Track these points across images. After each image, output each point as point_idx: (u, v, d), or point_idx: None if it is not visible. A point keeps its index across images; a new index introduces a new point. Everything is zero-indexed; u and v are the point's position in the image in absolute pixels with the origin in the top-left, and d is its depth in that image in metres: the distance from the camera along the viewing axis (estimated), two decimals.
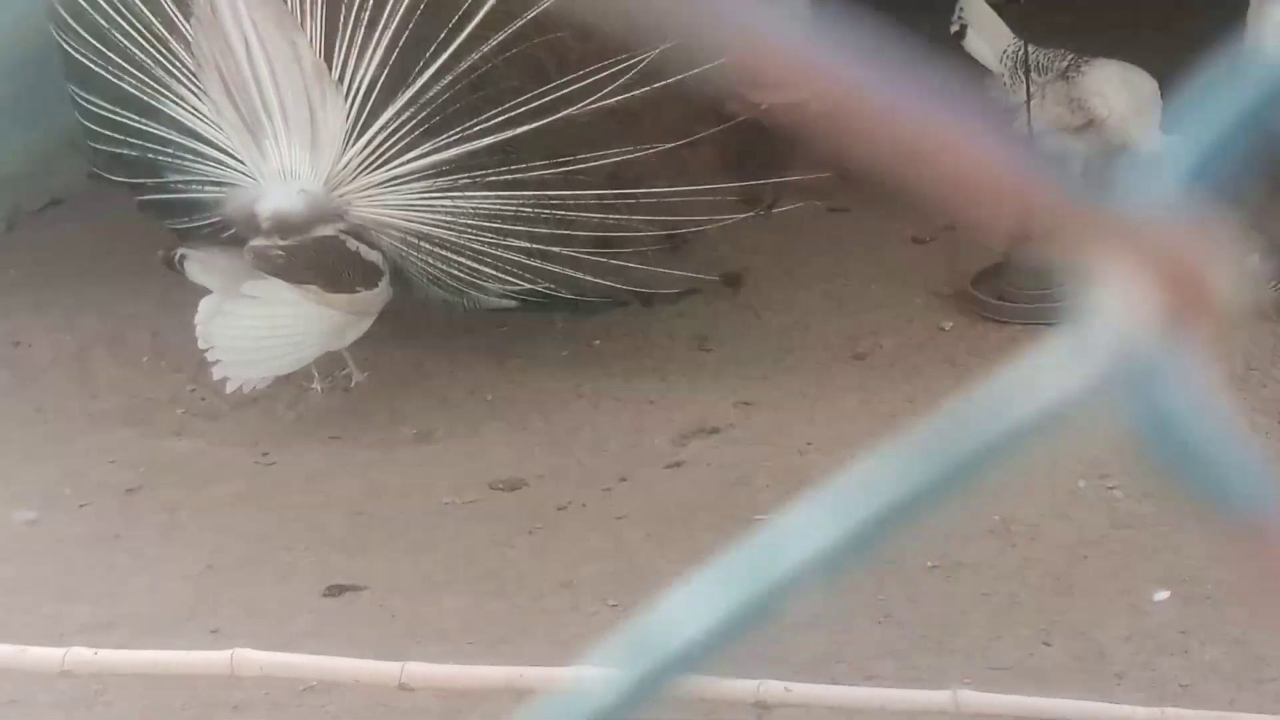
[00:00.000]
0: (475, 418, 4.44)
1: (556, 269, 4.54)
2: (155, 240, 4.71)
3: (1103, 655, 3.27)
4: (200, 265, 4.33)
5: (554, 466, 4.18)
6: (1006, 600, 3.47)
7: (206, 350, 4.27)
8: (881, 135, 0.42)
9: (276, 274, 4.27)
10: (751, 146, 4.65)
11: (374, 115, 4.42)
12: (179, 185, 4.71)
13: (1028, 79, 4.95)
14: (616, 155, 4.46)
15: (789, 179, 4.63)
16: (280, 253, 4.28)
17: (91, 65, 4.71)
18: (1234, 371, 4.33)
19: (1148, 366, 0.42)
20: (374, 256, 4.42)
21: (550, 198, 4.49)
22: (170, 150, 4.65)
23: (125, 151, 4.78)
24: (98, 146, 4.89)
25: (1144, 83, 4.86)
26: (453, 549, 3.83)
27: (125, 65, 4.64)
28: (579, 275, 4.56)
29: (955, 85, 0.44)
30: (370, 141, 4.43)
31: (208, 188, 4.60)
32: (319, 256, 4.33)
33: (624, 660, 0.46)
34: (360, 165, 4.44)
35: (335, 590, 3.69)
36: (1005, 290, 4.66)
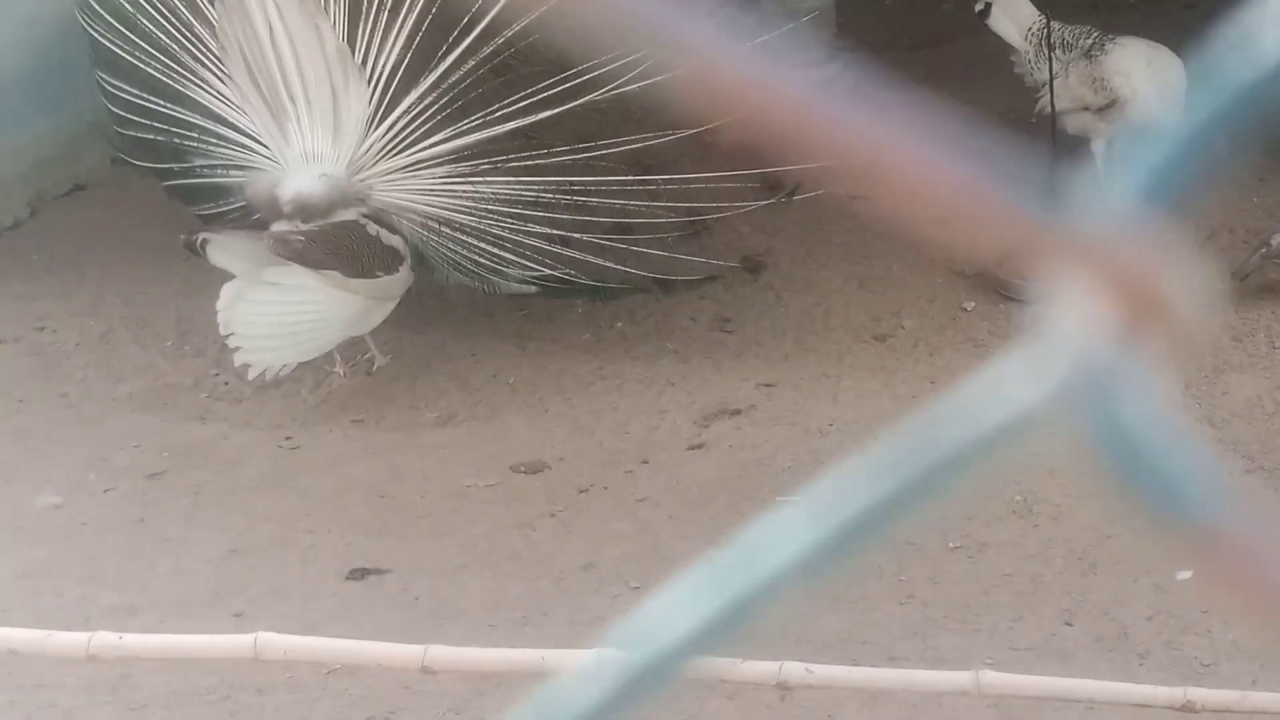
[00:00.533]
0: (497, 401, 4.44)
1: (577, 255, 4.54)
2: (179, 225, 4.72)
3: (1125, 635, 3.26)
4: (222, 249, 4.34)
5: (576, 449, 4.18)
6: (1029, 580, 3.47)
7: (228, 336, 4.28)
8: (834, 154, 0.43)
9: (296, 259, 4.27)
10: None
11: (396, 100, 4.42)
12: (204, 170, 4.72)
13: (1051, 57, 4.92)
14: (638, 141, 4.46)
15: (810, 165, 4.61)
16: (300, 238, 4.29)
17: (118, 50, 4.73)
18: (1258, 350, 4.31)
19: (1104, 378, 0.43)
20: (395, 241, 4.43)
21: (571, 183, 4.49)
22: (196, 135, 4.67)
23: (151, 137, 4.80)
24: (124, 132, 4.90)
25: (1169, 62, 4.83)
26: (475, 532, 3.84)
27: (151, 50, 4.65)
28: (599, 261, 4.55)
29: (910, 102, 0.44)
30: (392, 126, 4.43)
31: (233, 172, 4.61)
32: (339, 241, 4.33)
33: (606, 665, 0.46)
34: (382, 150, 4.45)
35: (358, 573, 3.70)
36: (1027, 270, 4.64)
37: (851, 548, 0.45)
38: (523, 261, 4.54)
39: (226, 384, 4.59)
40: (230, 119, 4.57)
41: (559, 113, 4.40)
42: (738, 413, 4.27)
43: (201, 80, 4.61)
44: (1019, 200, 0.42)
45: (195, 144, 4.68)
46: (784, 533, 0.45)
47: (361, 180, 4.45)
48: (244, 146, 4.56)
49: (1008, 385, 0.44)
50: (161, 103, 4.72)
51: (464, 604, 3.54)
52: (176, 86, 4.65)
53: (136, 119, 4.80)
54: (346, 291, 4.33)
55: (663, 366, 4.51)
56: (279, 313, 4.34)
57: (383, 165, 4.47)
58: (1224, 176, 0.42)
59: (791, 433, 4.15)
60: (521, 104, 4.40)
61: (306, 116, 4.40)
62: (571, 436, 4.24)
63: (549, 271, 4.56)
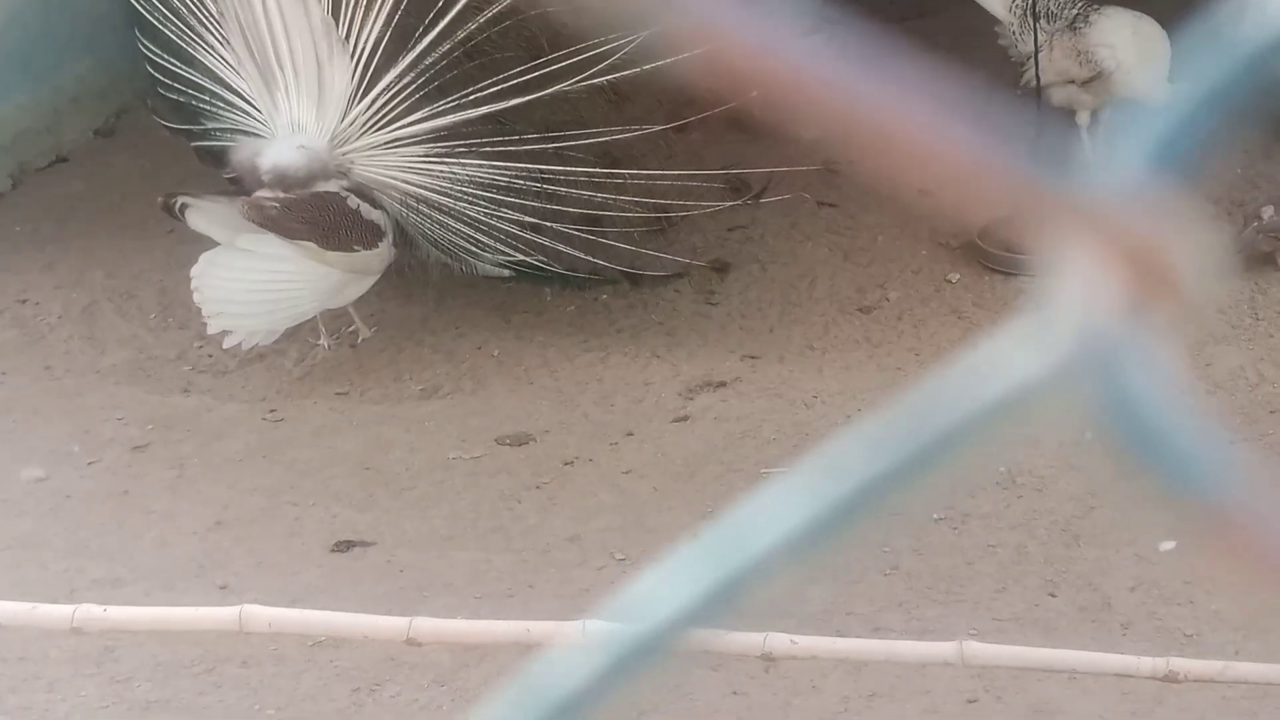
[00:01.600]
0: (482, 373, 4.44)
1: (548, 243, 4.54)
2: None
3: (1108, 605, 3.28)
4: (201, 214, 4.33)
5: (561, 421, 4.18)
6: (1013, 551, 3.48)
7: (199, 302, 4.27)
8: (843, 121, 0.42)
9: (270, 226, 4.25)
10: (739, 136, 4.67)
11: (377, 76, 4.42)
12: (218, 133, 4.73)
13: (1036, 28, 4.91)
14: (606, 134, 4.46)
15: (778, 169, 4.61)
16: (275, 205, 4.28)
17: (143, 10, 4.74)
18: (1242, 322, 4.32)
19: (1110, 350, 0.42)
20: (375, 216, 4.41)
21: (542, 172, 4.49)
22: (207, 98, 4.69)
23: (175, 98, 4.83)
24: (159, 91, 4.93)
25: (1154, 33, 4.82)
26: (460, 504, 3.84)
27: (165, 12, 4.67)
28: (570, 251, 4.56)
29: (916, 68, 0.43)
30: (374, 102, 4.43)
31: (238, 137, 4.63)
32: (316, 212, 4.32)
33: (596, 641, 0.46)
34: (364, 124, 4.45)
35: (343, 545, 3.70)
36: (1012, 242, 4.65)
37: (845, 524, 0.45)
38: (497, 246, 4.54)
39: (210, 356, 4.58)
40: (233, 83, 4.59)
41: (529, 100, 4.40)
42: (723, 385, 4.27)
43: (207, 44, 4.63)
44: (1023, 167, 0.42)
45: (209, 107, 4.70)
46: (776, 508, 0.45)
47: (344, 154, 4.44)
48: (245, 113, 4.58)
49: (1008, 356, 0.43)
50: (179, 64, 4.73)
51: (449, 576, 3.55)
52: (189, 48, 4.68)
53: (164, 79, 4.82)
54: (323, 263, 4.32)
55: (647, 339, 4.51)
56: (252, 280, 4.32)
57: (365, 140, 4.45)
58: (1227, 146, 0.42)
59: (776, 405, 4.15)
60: (494, 89, 4.40)
61: (294, 86, 4.40)
62: (556, 409, 4.24)
63: (522, 257, 4.56)
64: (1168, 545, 3.38)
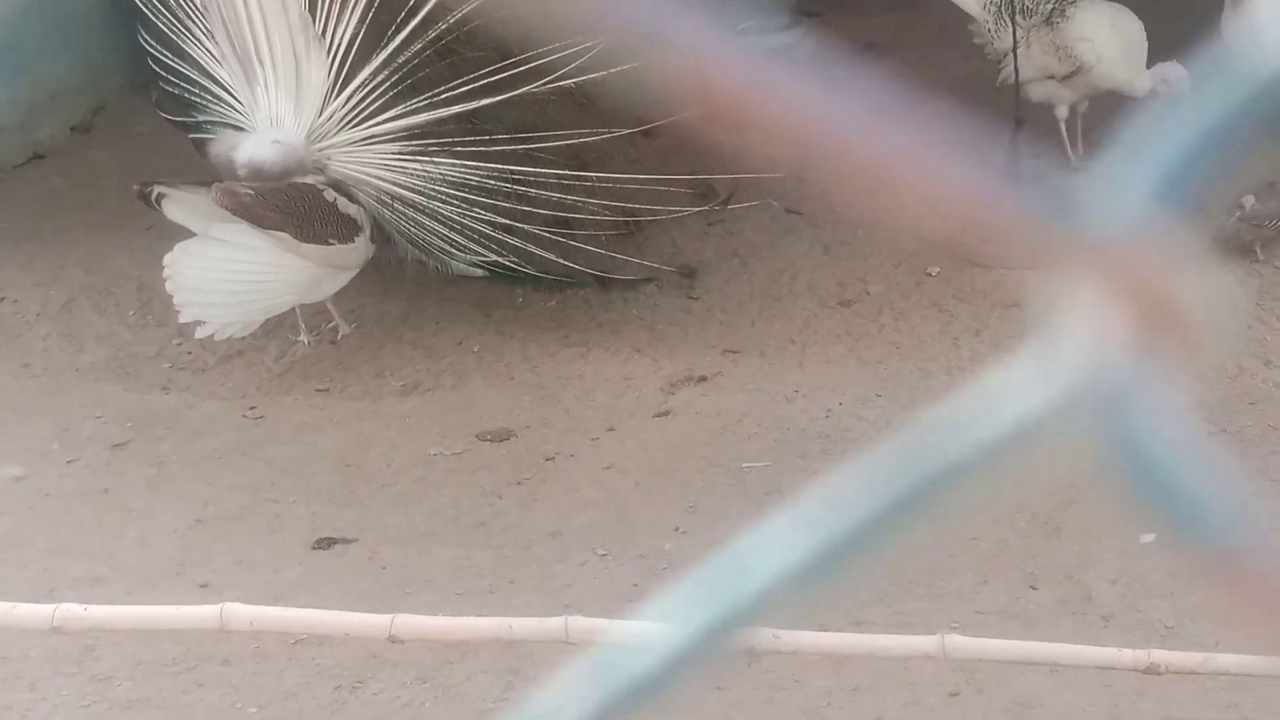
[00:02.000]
0: (462, 369, 4.43)
1: (519, 244, 4.55)
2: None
3: (1089, 598, 3.29)
4: (178, 204, 4.32)
5: (542, 417, 4.18)
6: (995, 545, 3.48)
7: (171, 291, 4.27)
8: (834, 155, 0.41)
9: (241, 214, 4.24)
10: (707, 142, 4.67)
11: (353, 73, 4.43)
12: (210, 126, 4.73)
13: (1014, 24, 4.89)
14: (573, 136, 4.47)
15: (745, 175, 4.61)
16: (248, 193, 4.27)
17: (141, 4, 4.73)
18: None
19: (1117, 390, 0.41)
20: (352, 210, 4.41)
21: (512, 172, 4.49)
22: (197, 91, 4.69)
23: (170, 90, 4.82)
24: (160, 85, 4.92)
25: (1131, 24, 4.82)
26: (441, 500, 3.84)
27: (160, 5, 4.67)
28: (540, 252, 4.55)
29: (909, 99, 0.42)
30: (350, 98, 4.43)
31: (223, 129, 4.63)
32: (290, 202, 4.31)
33: (587, 685, 0.45)
34: (341, 120, 4.45)
35: (325, 543, 3.69)
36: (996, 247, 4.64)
37: (846, 560, 0.44)
38: (471, 245, 4.54)
39: (190, 353, 4.57)
40: (219, 77, 4.59)
41: (499, 101, 4.40)
42: (704, 379, 4.27)
43: (195, 37, 4.63)
44: (1028, 201, 0.41)
45: (201, 100, 4.70)
46: (775, 545, 0.44)
47: (320, 149, 4.44)
48: (228, 105, 4.58)
49: (1012, 391, 0.42)
50: (173, 57, 4.73)
51: (431, 573, 3.54)
52: (180, 41, 4.68)
53: (160, 72, 4.82)
54: (297, 255, 4.31)
55: (628, 334, 4.51)
56: (225, 271, 4.31)
57: (341, 136, 4.46)
58: (1230, 179, 0.41)
59: (757, 399, 4.15)
60: (464, 88, 4.40)
61: (273, 80, 4.40)
62: (537, 404, 4.24)
63: (495, 258, 4.56)
64: (1148, 538, 3.38)
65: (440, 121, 4.45)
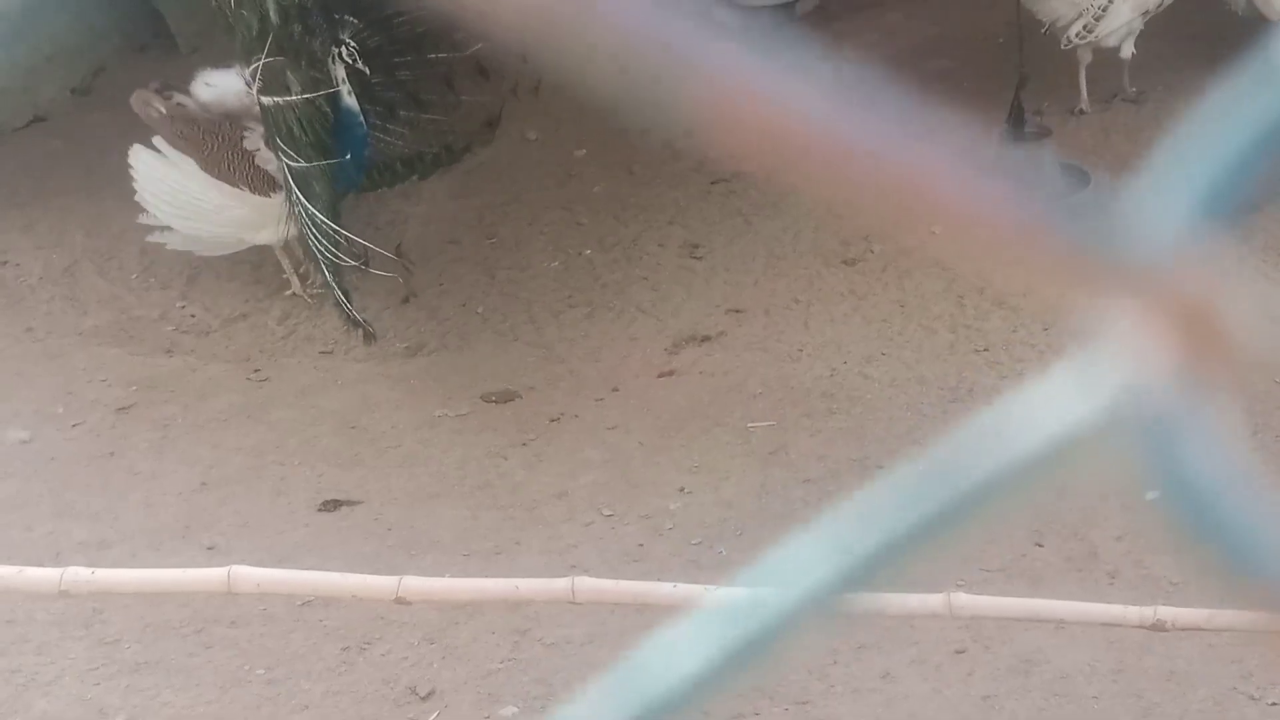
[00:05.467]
0: (466, 330, 4.43)
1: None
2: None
3: (1095, 555, 3.29)
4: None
5: (546, 378, 4.17)
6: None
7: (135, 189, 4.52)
8: (853, 169, 0.39)
9: (148, 122, 4.49)
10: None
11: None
12: None
13: None
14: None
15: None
16: (160, 108, 4.48)
17: None
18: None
19: (1162, 414, 0.39)
20: (271, 167, 4.45)
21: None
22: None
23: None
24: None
25: None
26: (446, 462, 3.84)
27: None
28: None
29: (936, 117, 0.41)
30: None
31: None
32: (202, 135, 4.47)
33: (614, 701, 0.44)
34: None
35: (330, 505, 3.69)
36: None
37: (872, 578, 0.43)
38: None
39: (193, 316, 4.56)
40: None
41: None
42: (708, 339, 4.27)
43: None
44: (1068, 225, 0.39)
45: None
46: (802, 562, 0.43)
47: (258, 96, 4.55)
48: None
49: (1050, 407, 0.41)
50: None
51: (437, 534, 3.54)
52: None
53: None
54: (208, 187, 4.46)
55: (632, 294, 4.50)
56: (165, 180, 4.51)
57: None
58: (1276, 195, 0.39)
59: (762, 358, 4.15)
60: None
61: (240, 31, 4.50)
62: (542, 365, 4.23)
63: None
64: (1154, 494, 3.38)
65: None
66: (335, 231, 4.38)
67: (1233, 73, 0.39)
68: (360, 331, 4.36)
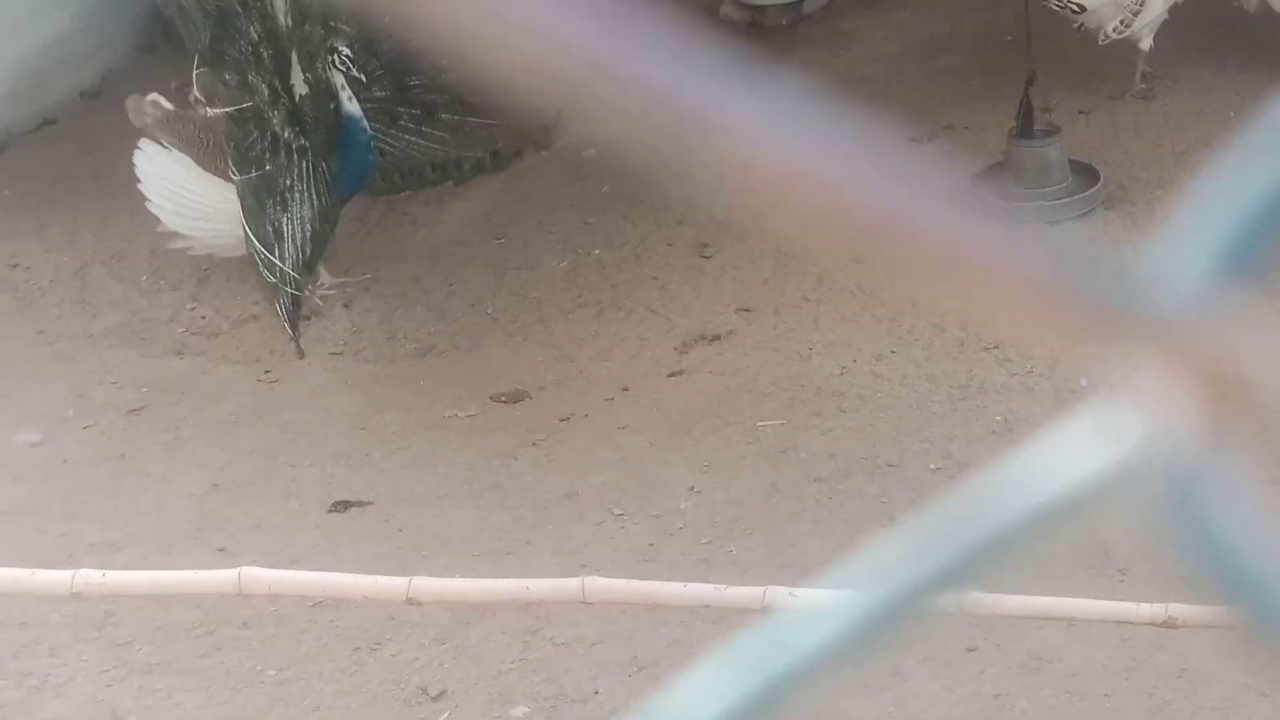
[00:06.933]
0: (476, 331, 4.43)
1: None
2: None
3: (1106, 552, 3.28)
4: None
5: (556, 378, 4.17)
6: None
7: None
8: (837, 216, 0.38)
9: (140, 126, 4.54)
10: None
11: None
12: None
13: None
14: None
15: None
16: (154, 111, 4.53)
17: None
18: None
19: (1185, 470, 0.38)
20: None
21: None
22: None
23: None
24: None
25: None
26: (456, 462, 3.84)
27: None
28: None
29: (928, 166, 0.40)
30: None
31: None
32: (197, 131, 4.53)
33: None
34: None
35: (341, 506, 3.70)
36: (1005, 189, 4.63)
37: (890, 629, 0.42)
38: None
39: (203, 318, 4.57)
40: None
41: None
42: (718, 338, 4.27)
43: None
44: (1083, 280, 0.39)
45: None
46: (821, 610, 0.43)
47: None
48: None
49: (1070, 457, 0.40)
50: None
51: (447, 534, 3.55)
52: None
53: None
54: (206, 182, 4.50)
55: (642, 293, 4.50)
56: (169, 177, 4.55)
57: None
58: None
59: (772, 357, 4.14)
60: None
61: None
62: (551, 365, 4.24)
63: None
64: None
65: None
66: (260, 253, 4.42)
67: (1253, 128, 0.38)
68: (294, 345, 4.39)
